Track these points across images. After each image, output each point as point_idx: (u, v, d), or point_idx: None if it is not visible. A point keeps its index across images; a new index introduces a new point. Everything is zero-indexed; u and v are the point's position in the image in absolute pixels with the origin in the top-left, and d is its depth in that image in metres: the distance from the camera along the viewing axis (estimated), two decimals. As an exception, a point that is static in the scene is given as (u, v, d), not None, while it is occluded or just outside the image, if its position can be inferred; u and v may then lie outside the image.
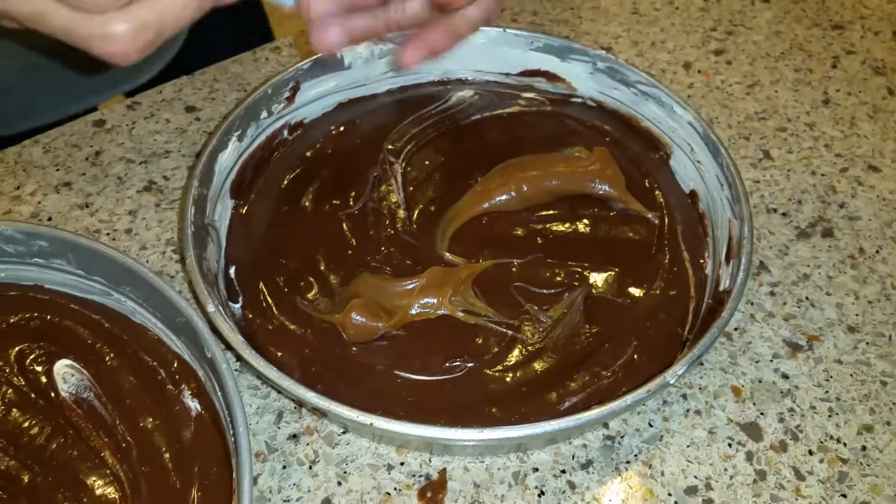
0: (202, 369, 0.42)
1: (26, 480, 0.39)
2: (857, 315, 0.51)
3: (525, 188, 0.52)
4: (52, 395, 0.42)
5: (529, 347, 0.46)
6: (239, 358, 0.40)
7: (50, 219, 0.54)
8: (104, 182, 0.56)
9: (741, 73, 0.67)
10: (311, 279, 0.48)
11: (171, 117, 0.61)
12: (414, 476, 0.42)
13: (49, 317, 0.45)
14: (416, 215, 0.52)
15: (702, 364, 0.48)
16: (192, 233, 0.45)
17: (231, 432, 0.39)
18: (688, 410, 0.45)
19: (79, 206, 0.55)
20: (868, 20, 0.73)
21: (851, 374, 0.48)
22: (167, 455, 0.40)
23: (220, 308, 0.42)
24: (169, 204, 0.55)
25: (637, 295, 0.48)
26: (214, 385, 0.41)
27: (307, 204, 0.52)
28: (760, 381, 0.47)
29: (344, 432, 0.44)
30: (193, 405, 0.42)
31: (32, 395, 0.42)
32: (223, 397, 0.39)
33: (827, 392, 0.47)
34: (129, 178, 0.56)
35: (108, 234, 0.53)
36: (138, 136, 0.59)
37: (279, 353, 0.45)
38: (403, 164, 0.55)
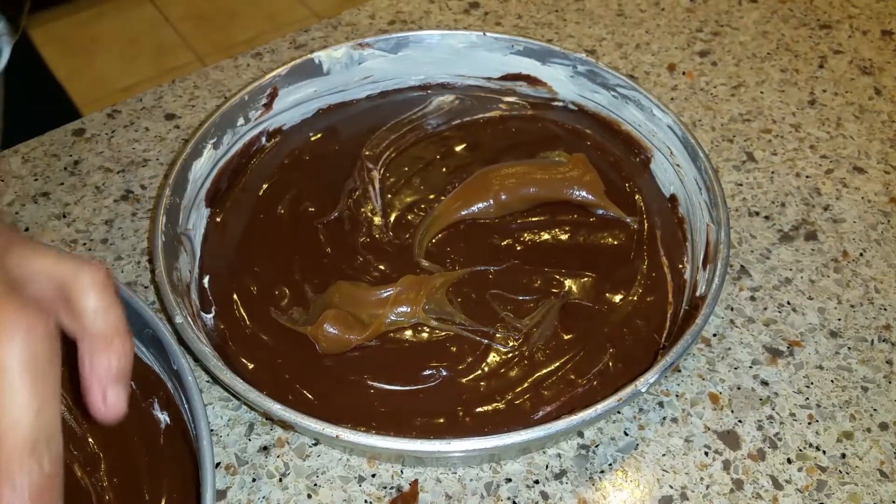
0: (171, 381, 0.42)
1: (-8, 495, 0.39)
2: (839, 320, 0.50)
3: (503, 196, 0.52)
4: (22, 408, 0.42)
5: (504, 356, 0.45)
6: (207, 370, 0.40)
7: (27, 229, 0.53)
8: (82, 192, 0.56)
9: (726, 75, 0.66)
10: (286, 288, 0.48)
11: (151, 125, 0.61)
12: (385, 488, 0.42)
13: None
14: (392, 222, 0.52)
15: (679, 371, 0.47)
16: (163, 243, 0.45)
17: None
18: (664, 418, 0.45)
19: (56, 217, 0.54)
20: (856, 19, 0.72)
21: (832, 381, 0.47)
22: (136, 467, 0.40)
23: (190, 319, 0.42)
24: (145, 213, 0.54)
25: (615, 301, 0.48)
26: (182, 397, 0.40)
27: (283, 212, 0.52)
28: (739, 388, 0.46)
29: (315, 444, 0.43)
30: (163, 417, 0.42)
31: (1, 409, 0.42)
32: (189, 410, 0.39)
33: (807, 399, 0.46)
34: (107, 188, 0.56)
35: (84, 244, 0.53)
36: (117, 144, 0.59)
37: (251, 365, 0.44)
38: (382, 171, 0.55)
